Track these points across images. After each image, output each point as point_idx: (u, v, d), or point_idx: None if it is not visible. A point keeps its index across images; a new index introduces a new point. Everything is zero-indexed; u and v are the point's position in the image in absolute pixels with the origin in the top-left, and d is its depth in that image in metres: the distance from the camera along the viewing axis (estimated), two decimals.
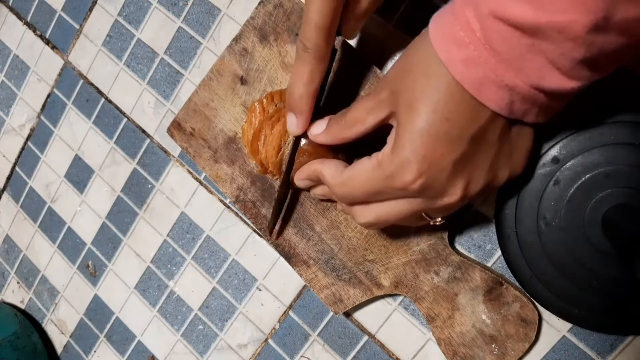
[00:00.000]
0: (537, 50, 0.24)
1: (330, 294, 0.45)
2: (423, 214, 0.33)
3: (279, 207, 0.43)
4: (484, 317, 0.40)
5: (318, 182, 0.38)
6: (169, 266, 0.56)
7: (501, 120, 0.28)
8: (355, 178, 0.32)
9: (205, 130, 0.47)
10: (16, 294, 0.67)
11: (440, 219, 0.34)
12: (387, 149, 0.31)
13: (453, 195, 0.30)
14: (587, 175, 0.34)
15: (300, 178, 0.39)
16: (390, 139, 0.31)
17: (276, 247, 0.46)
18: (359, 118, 0.32)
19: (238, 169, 0.46)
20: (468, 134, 0.28)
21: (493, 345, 0.40)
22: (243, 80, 0.45)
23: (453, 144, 0.28)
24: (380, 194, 0.32)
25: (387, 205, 0.33)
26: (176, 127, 0.48)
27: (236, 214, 0.52)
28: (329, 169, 0.35)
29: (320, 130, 0.36)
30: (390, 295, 0.45)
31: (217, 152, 0.47)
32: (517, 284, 0.39)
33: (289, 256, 0.46)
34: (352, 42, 0.44)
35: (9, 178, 0.66)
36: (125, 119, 0.57)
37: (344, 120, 0.34)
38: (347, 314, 0.48)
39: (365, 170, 0.32)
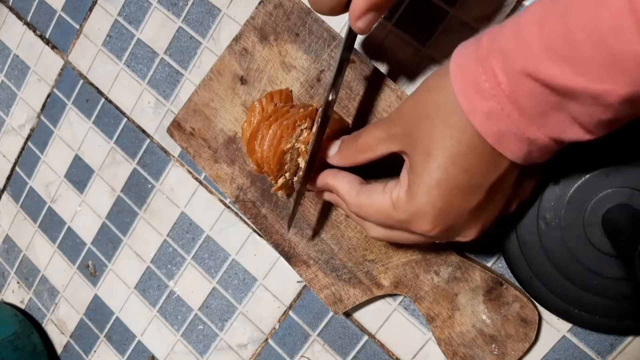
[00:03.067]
0: (563, 108, 0.23)
1: (330, 294, 0.45)
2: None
3: (298, 202, 0.43)
4: (484, 317, 0.40)
5: (330, 190, 0.38)
6: (169, 266, 0.56)
7: (517, 168, 0.28)
8: (370, 207, 0.32)
9: (205, 130, 0.47)
10: (16, 294, 0.67)
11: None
12: (401, 192, 0.30)
13: (467, 237, 0.31)
14: (587, 175, 0.35)
15: (313, 188, 0.39)
16: (404, 179, 0.30)
17: (276, 247, 0.46)
18: (369, 146, 0.32)
19: (238, 168, 0.46)
20: (486, 184, 0.28)
21: (493, 345, 0.40)
22: (243, 80, 0.45)
23: (471, 195, 0.28)
24: (395, 229, 0.32)
25: (398, 233, 0.33)
26: (176, 127, 0.48)
27: (236, 214, 0.52)
28: (343, 186, 0.35)
29: (332, 152, 0.36)
30: (390, 295, 0.45)
31: (217, 152, 0.47)
32: (517, 284, 0.39)
33: (289, 256, 0.46)
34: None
35: (9, 178, 0.66)
36: (125, 119, 0.57)
37: (355, 145, 0.33)
38: (347, 314, 0.48)
39: (379, 205, 0.31)
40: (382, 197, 0.31)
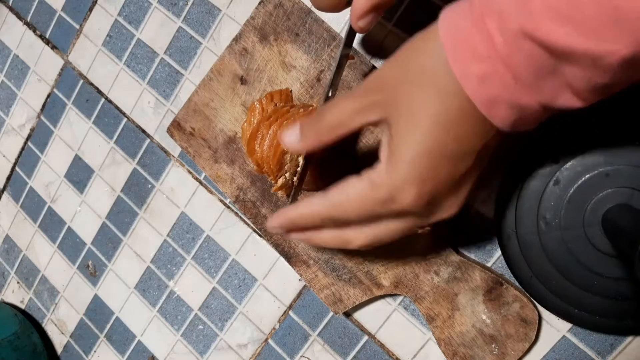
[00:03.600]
0: (559, 71, 0.23)
1: (330, 294, 0.45)
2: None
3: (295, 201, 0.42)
4: (484, 317, 0.40)
5: (296, 229, 0.33)
6: (169, 266, 0.56)
7: (501, 134, 0.27)
8: (345, 202, 0.29)
9: (205, 130, 0.47)
10: (16, 294, 0.67)
11: (428, 227, 0.32)
12: (381, 167, 0.28)
13: (450, 209, 0.29)
14: (587, 175, 0.35)
15: (276, 229, 0.34)
16: (384, 152, 0.28)
17: (276, 247, 0.46)
18: (341, 120, 0.29)
19: (238, 168, 0.46)
20: (473, 151, 0.26)
21: (493, 345, 0.40)
22: (243, 80, 0.45)
23: (458, 162, 0.27)
24: (376, 216, 0.29)
25: (382, 226, 0.30)
26: (176, 127, 0.48)
27: (236, 214, 0.52)
28: (307, 203, 0.31)
29: (293, 139, 0.31)
30: (390, 295, 0.45)
31: (217, 152, 0.47)
32: (517, 284, 0.39)
33: (289, 256, 0.46)
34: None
35: (9, 178, 0.66)
36: (125, 119, 0.57)
37: (323, 122, 0.30)
38: (347, 314, 0.48)
39: (357, 193, 0.29)
40: (357, 183, 0.29)
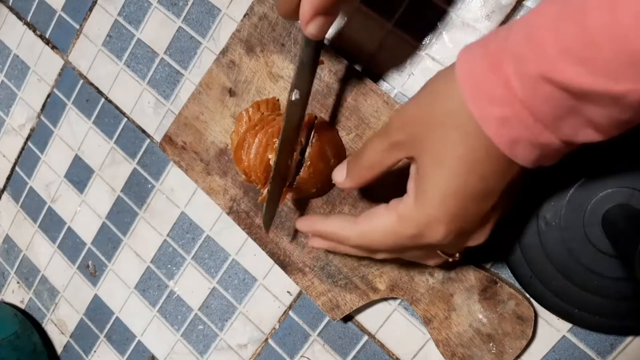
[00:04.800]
0: (579, 110, 0.23)
1: (328, 301, 0.45)
2: (440, 253, 0.33)
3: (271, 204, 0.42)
4: (480, 316, 0.40)
5: (321, 236, 0.36)
6: (169, 266, 0.56)
7: (523, 172, 0.28)
8: (374, 231, 0.31)
9: (196, 143, 0.47)
10: (16, 294, 0.67)
11: (458, 255, 0.34)
12: (409, 202, 0.29)
13: (477, 240, 0.31)
14: (587, 176, 0.34)
15: (308, 235, 0.37)
16: (411, 189, 0.29)
17: (271, 255, 0.46)
18: (376, 160, 0.31)
19: (230, 180, 0.47)
20: (499, 189, 0.28)
21: (491, 344, 0.40)
22: (232, 92, 0.45)
23: (484, 200, 0.28)
24: (403, 248, 0.31)
25: (408, 253, 0.32)
26: (168, 142, 0.49)
27: None
28: (337, 224, 0.33)
29: (342, 178, 0.34)
30: (387, 299, 0.45)
31: (209, 164, 0.47)
32: (512, 282, 0.39)
33: (285, 265, 0.46)
34: (348, 42, 0.44)
35: (9, 178, 0.66)
36: (125, 119, 0.57)
37: (361, 163, 0.32)
38: (347, 315, 0.48)
39: (384, 225, 0.30)
40: (385, 216, 0.30)
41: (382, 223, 0.30)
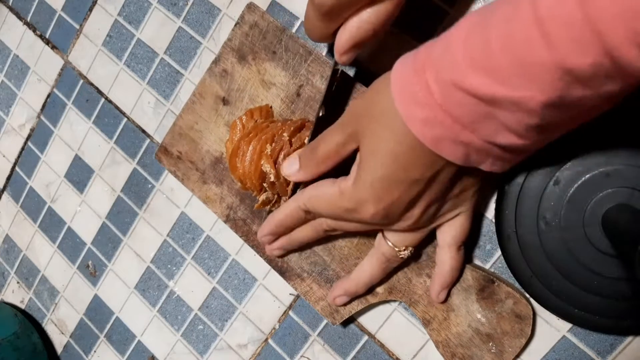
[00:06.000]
0: (491, 114, 0.25)
1: (327, 306, 0.45)
2: (388, 244, 0.37)
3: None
4: (479, 316, 0.40)
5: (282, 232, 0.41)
6: (169, 266, 0.56)
7: (455, 166, 0.31)
8: (319, 198, 0.35)
9: (191, 152, 0.48)
10: (16, 294, 0.67)
11: (405, 251, 0.37)
12: (349, 182, 0.33)
13: (406, 222, 0.34)
14: (587, 175, 0.35)
15: (267, 236, 0.42)
16: (353, 172, 0.34)
17: (269, 262, 0.46)
18: (333, 151, 0.35)
19: (226, 188, 0.47)
20: (424, 178, 0.31)
21: (490, 344, 0.40)
22: (225, 101, 0.46)
23: (409, 187, 0.31)
24: (343, 218, 0.35)
25: (348, 224, 0.36)
26: (163, 152, 0.49)
27: None
28: (288, 203, 0.38)
29: (294, 169, 0.38)
30: (385, 301, 0.45)
31: (205, 173, 0.47)
32: (513, 282, 0.39)
33: (283, 271, 0.46)
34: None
35: (9, 178, 0.66)
36: (125, 119, 0.57)
37: (317, 156, 0.35)
38: None
39: (329, 194, 0.34)
40: (330, 187, 0.35)
41: (327, 192, 0.35)
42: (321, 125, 0.38)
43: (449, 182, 0.32)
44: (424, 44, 0.28)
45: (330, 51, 0.45)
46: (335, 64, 0.38)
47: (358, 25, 0.34)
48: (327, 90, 0.38)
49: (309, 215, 0.38)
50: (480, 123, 0.26)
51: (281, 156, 0.41)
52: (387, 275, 0.41)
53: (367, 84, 0.44)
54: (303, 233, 0.40)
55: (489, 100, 0.24)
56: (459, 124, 0.26)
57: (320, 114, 0.38)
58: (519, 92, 0.23)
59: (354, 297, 0.43)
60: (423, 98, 0.27)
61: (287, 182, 0.41)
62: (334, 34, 0.35)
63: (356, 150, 0.34)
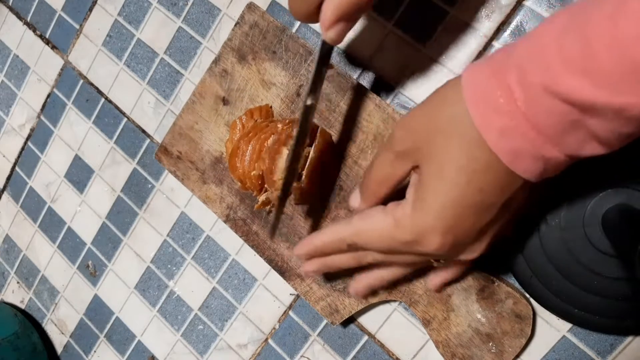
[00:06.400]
0: (582, 124, 0.22)
1: (326, 305, 0.45)
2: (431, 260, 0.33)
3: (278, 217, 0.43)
4: (478, 316, 0.40)
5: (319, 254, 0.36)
6: (169, 266, 0.56)
7: (529, 185, 0.27)
8: (369, 232, 0.31)
9: (191, 152, 0.48)
10: (16, 294, 0.67)
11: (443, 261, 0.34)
12: (407, 208, 0.29)
13: (473, 254, 0.30)
14: (587, 176, 0.34)
15: (302, 256, 0.36)
16: (410, 196, 0.29)
17: (269, 262, 0.46)
18: (385, 175, 0.31)
19: (226, 187, 0.47)
20: (500, 202, 0.27)
21: (490, 344, 0.40)
22: (225, 101, 0.46)
23: (484, 213, 0.27)
24: (397, 253, 0.31)
25: (400, 257, 0.32)
26: (163, 152, 0.49)
27: None
28: (332, 229, 0.33)
29: (357, 203, 0.34)
30: (386, 301, 0.45)
31: (205, 173, 0.47)
32: (512, 282, 0.39)
33: (283, 270, 0.46)
34: (348, 42, 0.44)
35: (9, 178, 0.66)
36: (125, 119, 0.57)
37: (372, 182, 0.32)
38: None
39: (381, 227, 0.30)
40: (382, 218, 0.30)
41: (379, 225, 0.30)
42: (307, 114, 0.34)
43: (520, 205, 0.29)
44: (496, 49, 0.25)
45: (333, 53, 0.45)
46: (323, 43, 0.33)
47: None
48: (316, 74, 0.34)
49: (352, 249, 0.33)
50: (567, 134, 0.23)
51: (267, 145, 0.40)
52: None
53: (370, 87, 0.44)
54: (343, 262, 0.35)
55: (584, 107, 0.21)
56: (542, 135, 0.23)
57: (308, 103, 0.34)
58: (624, 97, 0.20)
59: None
60: (503, 104, 0.23)
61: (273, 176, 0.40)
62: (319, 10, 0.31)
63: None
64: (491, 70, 0.24)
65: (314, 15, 0.32)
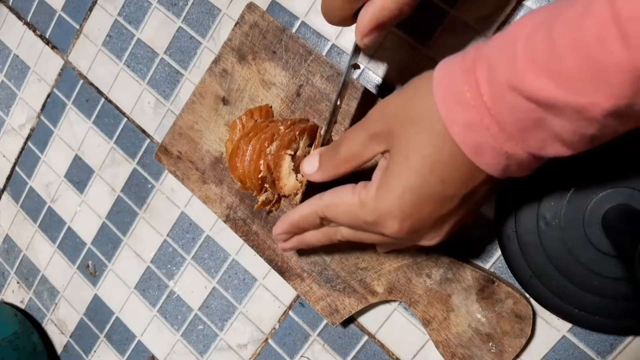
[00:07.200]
0: (545, 123, 0.23)
1: (327, 305, 0.45)
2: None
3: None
4: (478, 316, 0.40)
5: (298, 231, 0.37)
6: (169, 266, 0.56)
7: (492, 180, 0.28)
8: (337, 206, 0.32)
9: (191, 152, 0.48)
10: (16, 294, 0.67)
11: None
12: (371, 190, 0.29)
13: (431, 241, 0.31)
14: (587, 176, 0.34)
15: (281, 234, 0.38)
16: (376, 179, 0.30)
17: (269, 262, 0.46)
18: (355, 152, 0.31)
19: (226, 187, 0.47)
20: (460, 194, 0.28)
21: (490, 344, 0.40)
22: (225, 101, 0.46)
23: (443, 204, 0.28)
24: (361, 228, 0.32)
25: (365, 234, 0.33)
26: (163, 152, 0.49)
27: None
28: (305, 205, 0.35)
29: (313, 169, 0.34)
30: (385, 301, 0.45)
31: (205, 173, 0.47)
32: (512, 282, 0.39)
33: (283, 270, 0.46)
34: (349, 43, 0.44)
35: (9, 178, 0.66)
36: (125, 119, 0.57)
37: (339, 156, 0.32)
38: None
39: (347, 204, 0.31)
40: (350, 196, 0.31)
41: (346, 201, 0.31)
42: (336, 114, 0.36)
43: (482, 199, 0.30)
44: (471, 45, 0.25)
45: (332, 52, 0.45)
46: (353, 55, 0.35)
47: (382, 3, 0.30)
48: (347, 76, 0.36)
49: (325, 222, 0.34)
50: (529, 132, 0.23)
51: (271, 148, 0.40)
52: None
53: (370, 87, 0.44)
54: (315, 238, 0.37)
55: (547, 106, 0.22)
56: (505, 132, 0.24)
57: (339, 103, 0.36)
58: (585, 97, 0.21)
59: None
60: (469, 99, 0.24)
61: (278, 182, 0.41)
62: (355, 15, 0.32)
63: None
64: (462, 65, 0.25)
65: (348, 21, 0.33)
